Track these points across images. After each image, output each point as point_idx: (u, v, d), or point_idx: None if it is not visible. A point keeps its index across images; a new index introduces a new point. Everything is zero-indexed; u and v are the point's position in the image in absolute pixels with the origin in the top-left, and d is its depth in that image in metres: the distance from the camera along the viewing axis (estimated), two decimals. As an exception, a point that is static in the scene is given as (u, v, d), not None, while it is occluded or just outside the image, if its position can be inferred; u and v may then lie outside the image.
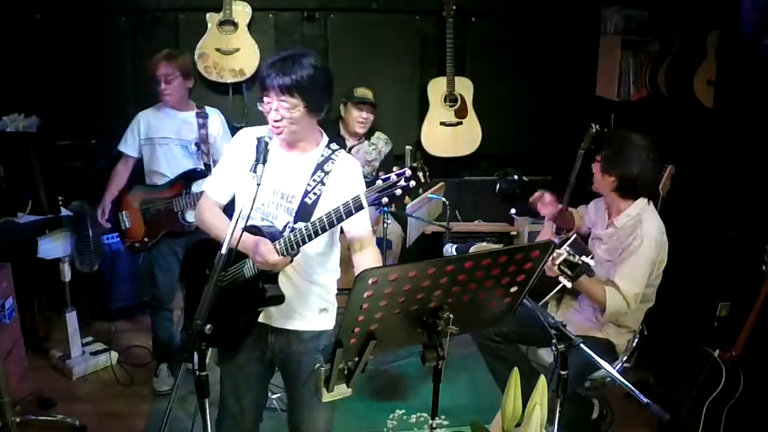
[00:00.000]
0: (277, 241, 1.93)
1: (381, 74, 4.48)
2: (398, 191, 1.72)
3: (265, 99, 1.98)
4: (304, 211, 2.03)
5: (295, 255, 1.96)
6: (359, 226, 2.07)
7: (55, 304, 3.64)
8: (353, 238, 2.10)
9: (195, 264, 2.22)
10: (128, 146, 3.36)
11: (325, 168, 2.07)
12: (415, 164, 1.73)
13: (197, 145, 3.27)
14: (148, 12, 4.22)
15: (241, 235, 1.80)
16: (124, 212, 3.34)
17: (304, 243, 1.92)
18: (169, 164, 3.29)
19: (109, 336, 3.75)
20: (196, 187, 3.26)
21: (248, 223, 1.94)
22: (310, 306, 2.14)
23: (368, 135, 4.07)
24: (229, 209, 2.17)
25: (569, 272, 2.34)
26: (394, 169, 1.75)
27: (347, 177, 2.08)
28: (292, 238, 1.91)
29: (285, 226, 2.04)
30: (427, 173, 1.74)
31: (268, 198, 2.07)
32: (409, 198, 1.78)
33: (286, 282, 2.06)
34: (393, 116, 4.48)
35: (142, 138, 3.32)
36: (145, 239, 3.31)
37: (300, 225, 1.95)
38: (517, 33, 4.60)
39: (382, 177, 1.76)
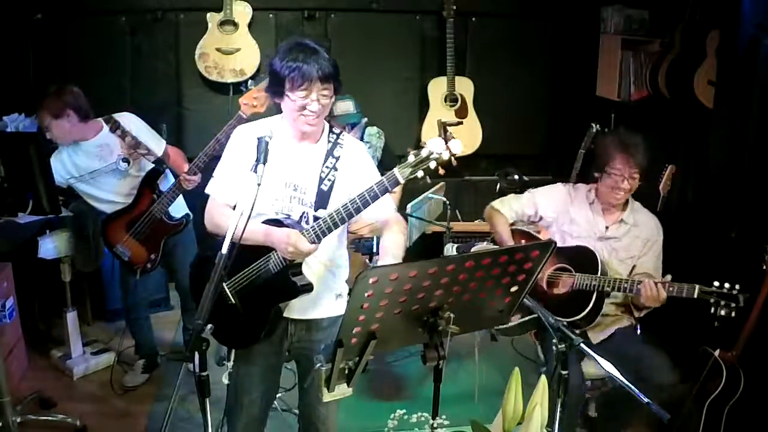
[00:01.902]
0: (305, 230, 1.97)
1: (381, 74, 4.49)
2: (432, 164, 1.76)
3: (300, 93, 1.96)
4: (321, 199, 2.06)
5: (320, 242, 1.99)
6: (385, 211, 2.10)
7: (56, 304, 3.64)
8: (382, 223, 2.14)
9: (201, 280, 2.20)
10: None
11: (335, 153, 2.11)
12: (446, 136, 1.74)
13: (126, 160, 3.18)
14: (148, 12, 4.22)
15: (243, 231, 1.78)
16: (117, 246, 3.24)
17: (336, 227, 1.96)
18: (113, 191, 3.24)
19: (110, 336, 3.75)
20: (162, 185, 3.23)
21: (266, 218, 2.01)
22: (327, 292, 2.17)
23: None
24: None
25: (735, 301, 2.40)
26: (425, 143, 1.78)
27: (357, 159, 2.13)
28: (322, 224, 1.95)
29: (301, 217, 2.07)
30: (459, 144, 1.77)
31: (281, 192, 2.08)
32: (444, 170, 1.83)
33: (306, 270, 2.08)
34: (393, 116, 4.48)
35: (70, 177, 3.20)
36: (152, 256, 3.25)
37: (326, 212, 2.00)
38: (517, 33, 4.61)
39: (413, 152, 1.79)
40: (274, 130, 1.97)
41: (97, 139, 3.18)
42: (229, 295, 2.10)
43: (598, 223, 2.77)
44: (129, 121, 3.23)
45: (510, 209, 2.88)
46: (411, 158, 1.79)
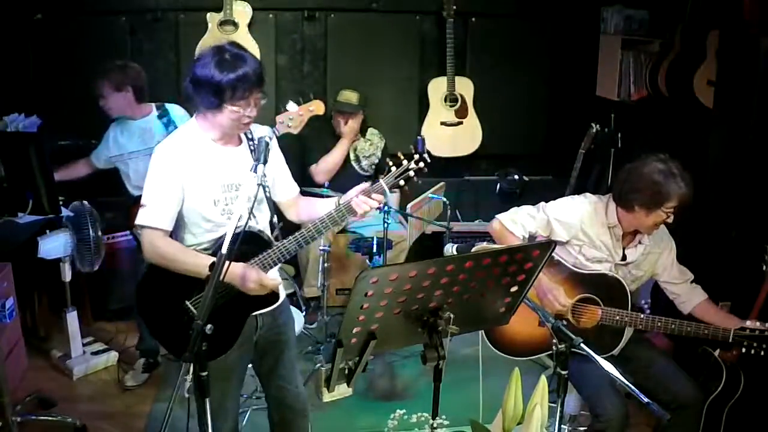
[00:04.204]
0: (271, 251, 2.04)
1: (381, 74, 4.49)
2: (411, 173, 2.00)
3: (242, 102, 1.98)
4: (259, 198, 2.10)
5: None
6: (291, 190, 2.32)
7: (56, 304, 3.64)
8: (290, 201, 2.32)
9: (153, 295, 2.15)
10: (98, 158, 3.39)
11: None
12: (421, 149, 2.01)
13: None
14: (148, 12, 4.23)
15: (242, 230, 1.81)
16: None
17: (308, 243, 2.06)
18: (145, 176, 3.24)
19: (110, 336, 3.75)
20: None
21: (236, 227, 1.81)
22: (279, 280, 2.23)
23: (362, 131, 4.11)
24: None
25: None
26: (401, 155, 2.02)
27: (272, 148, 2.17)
28: (273, 255, 2.05)
29: (250, 215, 2.03)
30: (430, 155, 2.02)
31: (220, 195, 2.08)
32: (417, 179, 2.08)
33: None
34: (393, 116, 4.49)
35: (112, 155, 3.31)
36: None
37: (264, 216, 2.13)
38: (516, 33, 4.61)
39: (394, 163, 2.02)
40: (196, 139, 2.04)
41: (143, 121, 3.28)
42: (194, 311, 2.05)
43: (617, 248, 2.59)
44: (177, 113, 3.32)
45: (523, 229, 2.60)
46: (393, 169, 2.01)
